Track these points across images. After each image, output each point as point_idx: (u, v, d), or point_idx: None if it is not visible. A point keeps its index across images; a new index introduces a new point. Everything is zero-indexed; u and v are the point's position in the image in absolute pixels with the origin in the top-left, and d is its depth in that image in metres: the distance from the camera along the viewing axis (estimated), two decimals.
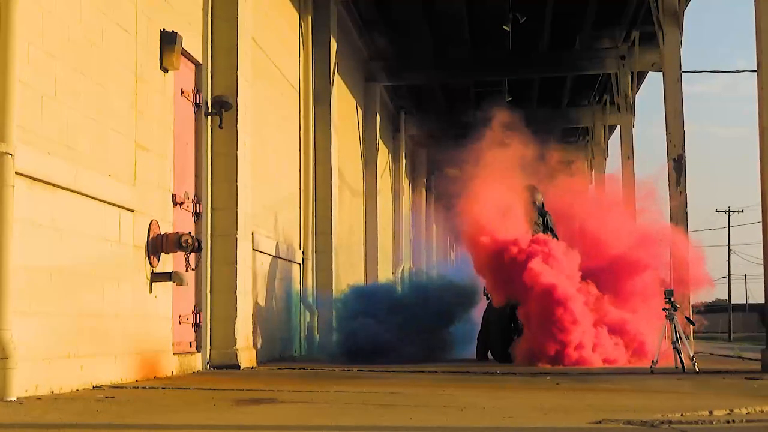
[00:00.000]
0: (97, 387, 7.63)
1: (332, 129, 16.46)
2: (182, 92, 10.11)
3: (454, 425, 5.51)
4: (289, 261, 14.66)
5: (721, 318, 69.50)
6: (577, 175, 15.70)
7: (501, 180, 13.51)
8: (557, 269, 13.14)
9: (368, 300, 14.26)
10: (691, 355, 11.19)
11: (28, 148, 6.73)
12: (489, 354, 14.10)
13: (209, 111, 10.74)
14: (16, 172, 6.48)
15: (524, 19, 19.07)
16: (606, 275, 13.78)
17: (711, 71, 33.90)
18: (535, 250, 13.23)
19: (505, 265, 13.19)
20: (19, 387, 6.46)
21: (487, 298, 14.15)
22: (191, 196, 10.38)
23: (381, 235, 22.13)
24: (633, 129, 23.82)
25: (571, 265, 13.29)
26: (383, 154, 24.02)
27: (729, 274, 74.31)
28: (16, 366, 6.36)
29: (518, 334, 13.26)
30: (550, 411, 6.25)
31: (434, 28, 20.79)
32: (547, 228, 14.19)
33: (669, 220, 15.65)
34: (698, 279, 14.61)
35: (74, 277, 7.44)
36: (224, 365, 10.54)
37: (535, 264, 13.05)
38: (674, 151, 16.18)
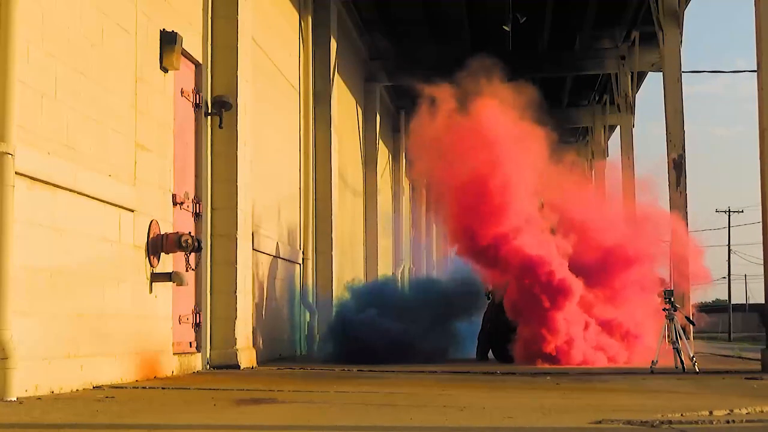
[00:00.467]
0: (97, 387, 7.63)
1: (332, 129, 16.46)
2: (182, 92, 10.11)
3: (454, 425, 5.51)
4: (289, 261, 14.66)
5: (721, 318, 69.46)
6: (573, 167, 15.68)
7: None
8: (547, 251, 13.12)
9: (369, 299, 14.22)
10: (691, 355, 11.20)
11: (28, 148, 6.73)
12: (491, 353, 14.09)
13: (209, 111, 10.74)
14: (16, 172, 6.48)
15: (524, 19, 19.07)
16: (599, 268, 13.79)
17: (711, 71, 34.04)
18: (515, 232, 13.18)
19: (484, 251, 13.17)
20: (19, 387, 6.46)
21: (488, 299, 14.14)
22: (191, 196, 10.37)
23: (381, 235, 22.13)
24: (633, 129, 23.83)
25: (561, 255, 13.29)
26: (383, 154, 24.01)
27: (729, 274, 74.30)
28: (16, 366, 6.35)
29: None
30: (550, 411, 6.25)
31: (434, 28, 20.79)
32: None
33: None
34: (696, 273, 14.64)
35: (74, 277, 7.44)
36: (224, 365, 10.54)
37: (520, 240, 13.03)
38: (674, 151, 16.18)
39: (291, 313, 14.74)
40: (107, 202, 8.05)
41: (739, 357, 17.81)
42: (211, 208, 10.76)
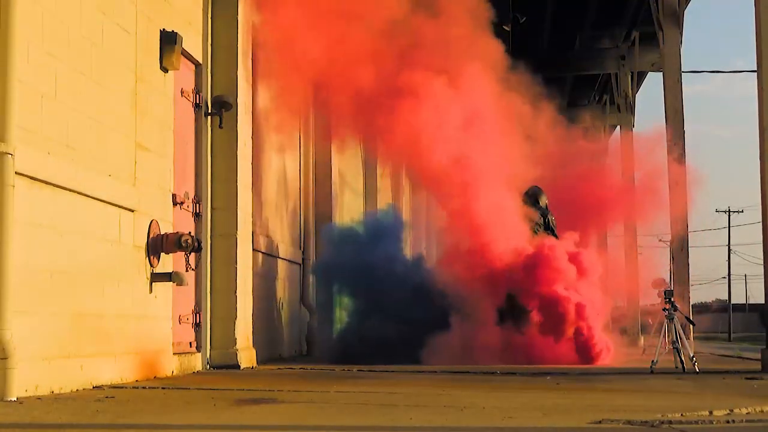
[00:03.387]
0: (97, 387, 7.63)
1: (332, 129, 16.43)
2: (182, 92, 10.11)
3: (454, 425, 5.51)
4: (289, 261, 14.66)
5: (721, 318, 69.52)
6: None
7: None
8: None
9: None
10: (691, 355, 11.21)
11: (28, 148, 6.72)
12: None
13: (209, 111, 10.74)
14: (16, 172, 6.47)
15: (524, 19, 19.09)
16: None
17: (711, 71, 34.17)
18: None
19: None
20: (19, 387, 6.46)
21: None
22: (191, 196, 10.38)
23: None
24: (633, 129, 23.88)
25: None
26: None
27: (729, 274, 74.34)
28: (16, 366, 6.35)
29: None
30: (550, 411, 6.25)
31: None
32: (547, 228, 14.17)
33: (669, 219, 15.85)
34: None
35: (74, 277, 7.44)
36: (224, 365, 10.53)
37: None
38: (674, 151, 16.21)
39: (291, 313, 14.74)
40: (107, 202, 8.05)
41: (739, 357, 17.83)
42: (211, 208, 10.76)
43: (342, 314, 14.83)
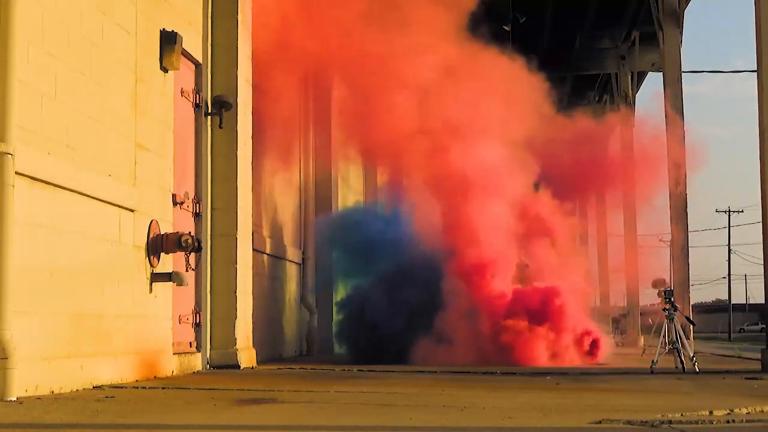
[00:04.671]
0: (97, 387, 7.63)
1: (332, 128, 16.46)
2: (182, 92, 10.11)
3: (454, 425, 5.51)
4: (290, 261, 14.65)
5: (721, 318, 69.57)
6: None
7: None
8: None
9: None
10: (691, 356, 11.22)
11: (28, 148, 6.72)
12: None
13: (209, 111, 10.74)
14: (16, 172, 6.47)
15: (524, 19, 19.09)
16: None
17: (711, 71, 34.23)
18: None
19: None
20: (19, 387, 6.46)
21: None
22: (191, 196, 10.37)
23: None
24: (633, 128, 23.91)
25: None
26: None
27: (729, 274, 74.36)
28: (16, 366, 6.35)
29: None
30: (550, 411, 6.25)
31: None
32: None
33: (669, 219, 15.87)
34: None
35: (74, 277, 7.44)
36: (224, 365, 10.53)
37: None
38: (674, 150, 16.24)
39: (291, 313, 14.74)
40: (107, 202, 8.05)
41: (739, 357, 17.84)
42: (211, 208, 10.75)
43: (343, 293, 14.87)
